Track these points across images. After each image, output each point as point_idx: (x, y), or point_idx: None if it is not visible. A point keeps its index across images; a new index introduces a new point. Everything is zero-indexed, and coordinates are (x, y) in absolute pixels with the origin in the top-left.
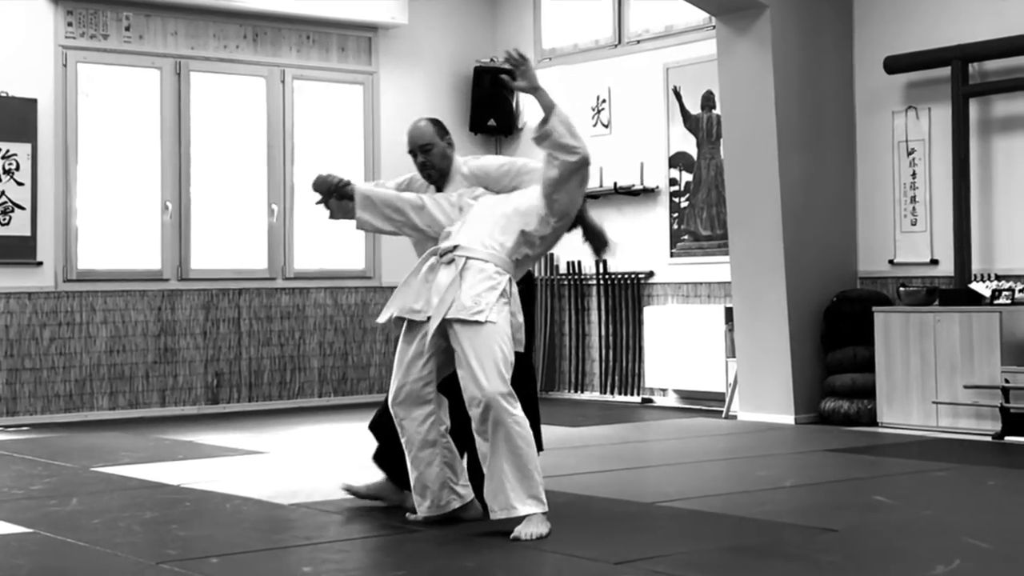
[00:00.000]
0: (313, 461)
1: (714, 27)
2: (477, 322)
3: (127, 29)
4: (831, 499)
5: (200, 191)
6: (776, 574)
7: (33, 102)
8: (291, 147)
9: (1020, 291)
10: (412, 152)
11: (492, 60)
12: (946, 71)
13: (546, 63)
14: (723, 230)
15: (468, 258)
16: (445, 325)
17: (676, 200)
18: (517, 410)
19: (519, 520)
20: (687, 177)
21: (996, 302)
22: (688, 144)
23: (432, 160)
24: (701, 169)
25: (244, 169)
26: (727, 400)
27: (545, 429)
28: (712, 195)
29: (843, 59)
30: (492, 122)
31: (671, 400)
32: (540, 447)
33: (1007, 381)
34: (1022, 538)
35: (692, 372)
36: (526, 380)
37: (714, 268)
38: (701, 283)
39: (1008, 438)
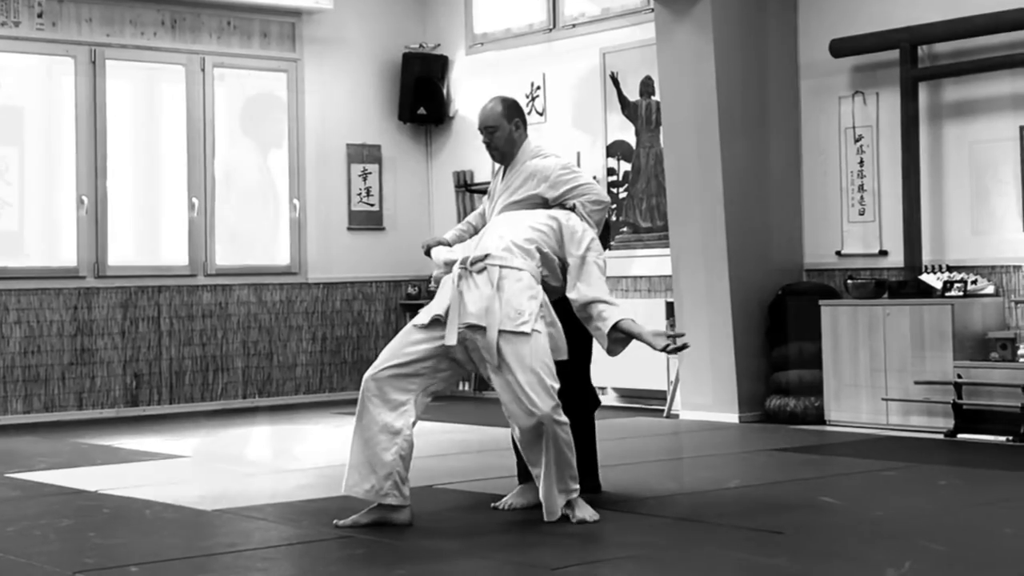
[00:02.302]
0: (237, 465)
1: (652, 10)
2: (522, 333)
3: (40, 16)
4: (777, 500)
5: (117, 184)
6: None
7: None
8: (212, 138)
9: (972, 283)
10: (480, 130)
11: (421, 45)
12: (894, 54)
13: (478, 48)
14: (663, 221)
15: (502, 267)
16: (473, 337)
17: (614, 191)
18: (564, 417)
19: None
20: (626, 167)
21: (948, 294)
22: (627, 132)
23: (495, 142)
24: (640, 158)
25: (163, 161)
26: (668, 398)
27: (484, 429)
28: (652, 185)
29: (787, 42)
30: (422, 110)
31: (611, 399)
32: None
33: (960, 377)
34: (975, 540)
35: (632, 369)
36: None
37: (654, 261)
38: (641, 276)
39: (961, 436)
